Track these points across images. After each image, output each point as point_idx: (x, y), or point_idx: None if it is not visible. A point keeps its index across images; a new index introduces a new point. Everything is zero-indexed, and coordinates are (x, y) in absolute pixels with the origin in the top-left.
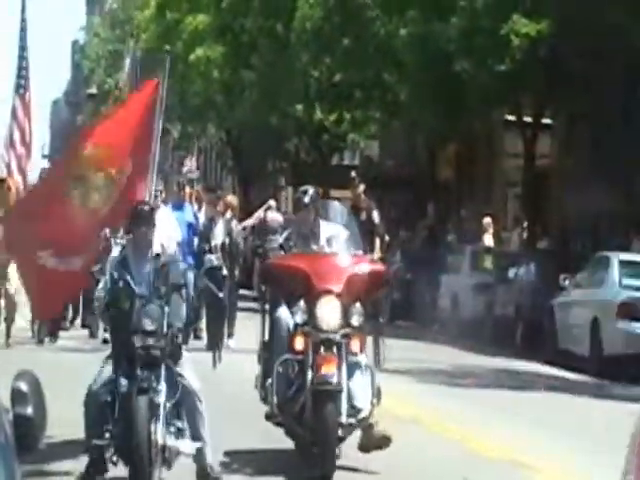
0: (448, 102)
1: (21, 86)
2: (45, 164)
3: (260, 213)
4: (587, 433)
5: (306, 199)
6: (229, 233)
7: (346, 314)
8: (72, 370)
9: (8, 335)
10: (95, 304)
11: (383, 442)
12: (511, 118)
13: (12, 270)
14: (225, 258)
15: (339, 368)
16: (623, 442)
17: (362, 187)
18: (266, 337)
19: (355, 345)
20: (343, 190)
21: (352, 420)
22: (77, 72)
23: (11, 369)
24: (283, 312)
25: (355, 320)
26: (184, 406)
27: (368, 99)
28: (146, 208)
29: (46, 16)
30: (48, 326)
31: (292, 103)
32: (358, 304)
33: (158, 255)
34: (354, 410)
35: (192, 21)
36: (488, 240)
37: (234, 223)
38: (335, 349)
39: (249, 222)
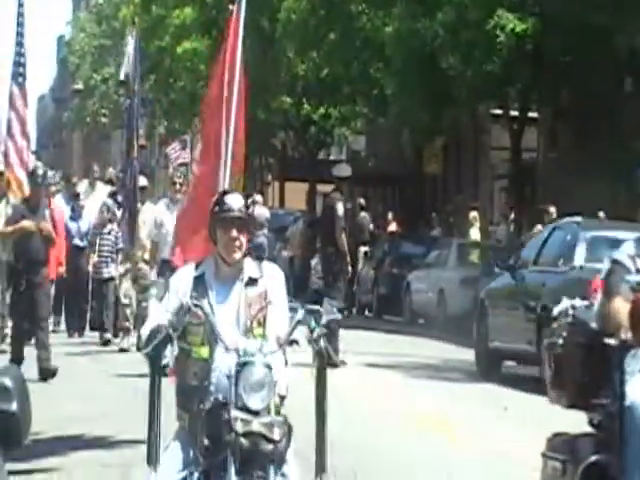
0: (434, 96)
1: (19, 74)
2: (32, 160)
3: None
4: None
5: None
6: None
7: None
8: (60, 368)
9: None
10: (146, 336)
11: None
12: (497, 112)
13: None
14: None
15: None
16: None
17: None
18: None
19: None
20: (330, 185)
21: None
22: (63, 68)
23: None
24: None
25: None
26: None
27: (354, 94)
28: (239, 199)
29: (32, 11)
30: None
31: (279, 97)
32: None
33: (254, 280)
34: None
35: (179, 14)
36: (475, 234)
37: None
38: None
39: None
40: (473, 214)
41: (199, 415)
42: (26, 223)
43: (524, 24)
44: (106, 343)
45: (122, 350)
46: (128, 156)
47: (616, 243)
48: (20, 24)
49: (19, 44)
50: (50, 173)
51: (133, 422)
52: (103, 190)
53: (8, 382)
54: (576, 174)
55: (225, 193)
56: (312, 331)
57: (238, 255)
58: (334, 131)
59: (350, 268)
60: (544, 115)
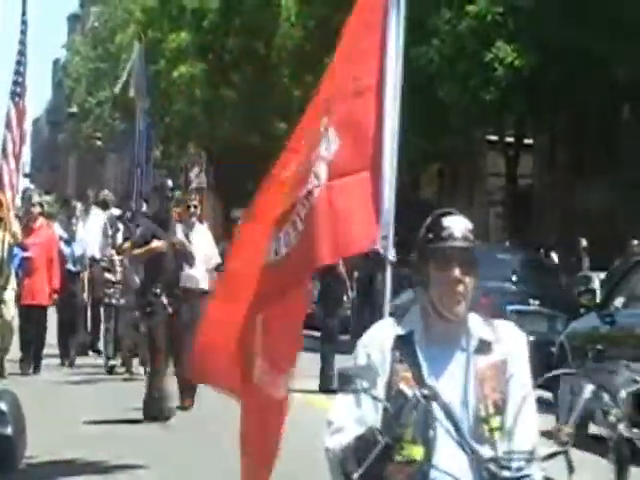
0: (430, 122)
1: (16, 94)
2: (27, 183)
3: None
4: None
5: None
6: None
7: None
8: (56, 394)
9: (1, 366)
10: (346, 452)
11: None
12: (493, 138)
13: (8, 295)
14: None
15: None
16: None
17: None
18: None
19: None
20: None
21: None
22: (58, 91)
23: None
24: None
25: None
26: None
27: None
28: (462, 223)
29: (28, 34)
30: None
31: (274, 122)
32: None
33: (487, 344)
34: None
35: (175, 38)
36: None
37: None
38: None
39: None
40: None
41: None
42: (156, 244)
43: (522, 58)
44: (110, 371)
45: (110, 371)
46: (131, 177)
47: (501, 263)
48: (22, 42)
49: (19, 63)
50: (47, 197)
51: (129, 447)
52: (98, 214)
53: (3, 406)
54: (571, 201)
55: (442, 214)
56: (606, 413)
57: (461, 307)
58: None
59: (351, 293)
60: (539, 142)
